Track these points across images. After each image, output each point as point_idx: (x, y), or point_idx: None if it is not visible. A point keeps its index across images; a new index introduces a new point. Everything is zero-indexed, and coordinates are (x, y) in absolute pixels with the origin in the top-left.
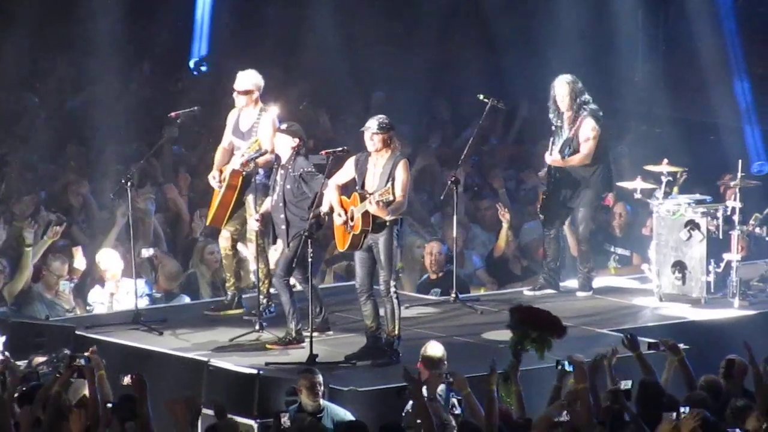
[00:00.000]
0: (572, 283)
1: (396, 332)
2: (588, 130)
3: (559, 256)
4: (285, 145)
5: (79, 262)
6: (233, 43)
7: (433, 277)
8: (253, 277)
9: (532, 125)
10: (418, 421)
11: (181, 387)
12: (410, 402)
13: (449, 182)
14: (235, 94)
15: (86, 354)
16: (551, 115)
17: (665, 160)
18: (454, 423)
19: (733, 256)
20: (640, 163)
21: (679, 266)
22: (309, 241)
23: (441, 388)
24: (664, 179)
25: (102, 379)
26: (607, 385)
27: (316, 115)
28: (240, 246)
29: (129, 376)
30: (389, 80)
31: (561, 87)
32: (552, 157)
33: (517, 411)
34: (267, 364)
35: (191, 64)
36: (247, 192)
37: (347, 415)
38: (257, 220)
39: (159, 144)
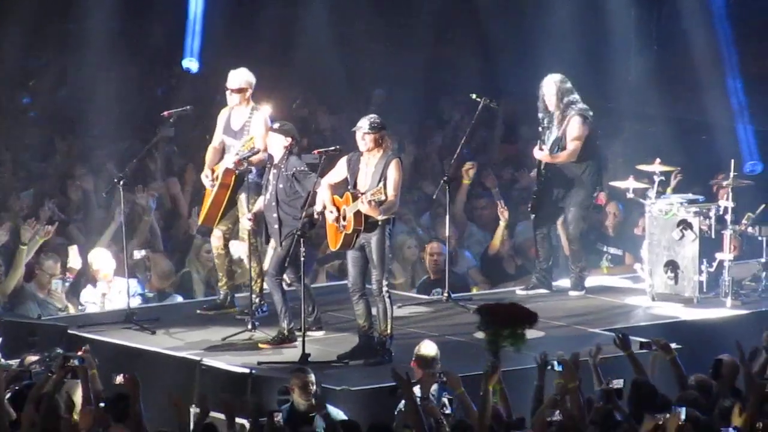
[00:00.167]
0: (565, 282)
1: (388, 331)
2: (575, 128)
3: (551, 255)
4: (278, 144)
5: (75, 260)
6: (226, 42)
7: (434, 277)
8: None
9: (527, 124)
10: (408, 421)
11: (173, 386)
12: (403, 401)
13: (442, 181)
14: (228, 93)
15: (79, 353)
16: (540, 114)
17: (658, 160)
18: (445, 422)
19: (726, 255)
20: (633, 163)
21: (672, 266)
22: (301, 240)
23: (434, 387)
24: (656, 179)
25: (94, 378)
26: (594, 384)
27: (315, 114)
28: (232, 244)
29: (122, 375)
30: (383, 79)
31: (548, 86)
32: (541, 153)
33: (504, 410)
34: (259, 363)
35: (184, 62)
36: (240, 191)
37: (340, 415)
38: (250, 219)
39: (153, 142)
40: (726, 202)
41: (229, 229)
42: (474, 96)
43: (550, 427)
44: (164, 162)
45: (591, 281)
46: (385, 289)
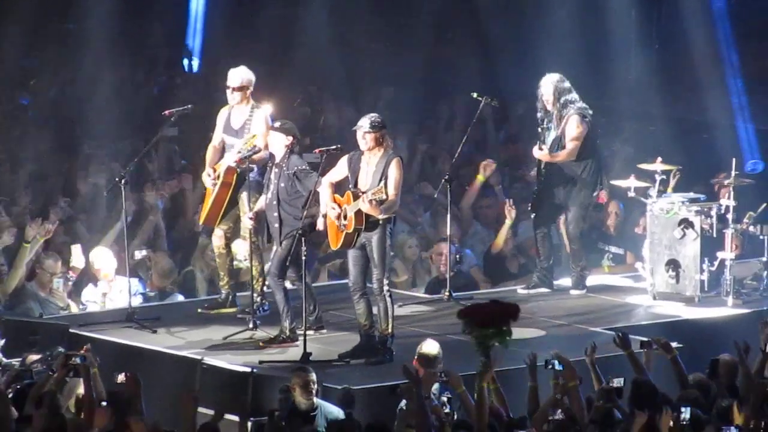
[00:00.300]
0: (566, 281)
1: (389, 330)
2: (573, 128)
3: (551, 254)
4: (279, 143)
5: (78, 259)
6: (227, 42)
7: (443, 277)
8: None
9: (529, 124)
10: (412, 420)
11: (174, 385)
12: (404, 400)
13: (443, 180)
14: (228, 92)
15: (81, 352)
16: (539, 114)
17: (659, 159)
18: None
19: (727, 254)
20: (634, 162)
21: (673, 265)
22: (303, 239)
23: (435, 386)
24: (657, 178)
25: (95, 377)
26: (593, 383)
27: (323, 112)
28: (236, 243)
29: (123, 374)
30: (383, 79)
31: (546, 86)
32: (541, 153)
33: (502, 410)
34: (261, 362)
35: (184, 61)
36: (241, 189)
37: (340, 414)
38: (251, 218)
39: (154, 141)
40: (727, 200)
41: (230, 228)
42: (475, 95)
43: (550, 426)
44: (165, 161)
45: (592, 280)
46: (386, 288)
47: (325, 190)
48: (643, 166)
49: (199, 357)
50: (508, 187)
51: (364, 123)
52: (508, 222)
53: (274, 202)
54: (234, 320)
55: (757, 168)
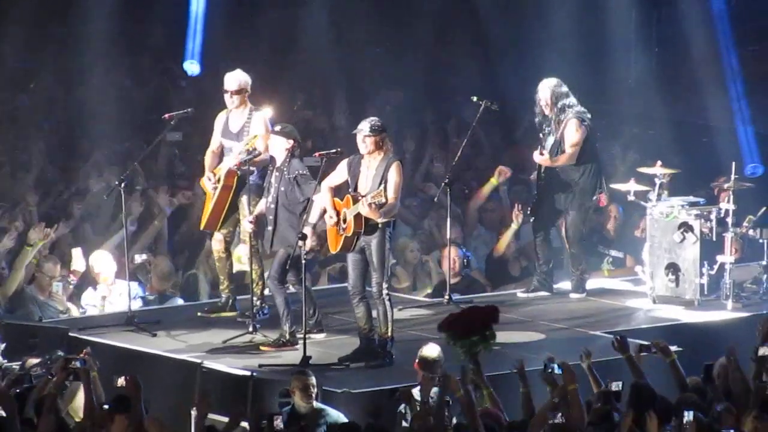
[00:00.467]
0: (566, 285)
1: (389, 334)
2: (572, 131)
3: (551, 258)
4: (279, 147)
5: (78, 262)
6: (227, 44)
7: (452, 281)
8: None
9: (529, 127)
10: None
11: (174, 388)
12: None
13: (443, 184)
14: (227, 96)
15: (81, 356)
16: (537, 119)
17: (659, 162)
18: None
19: (727, 258)
20: (634, 165)
21: (673, 268)
22: (303, 242)
23: (434, 390)
24: (657, 181)
25: (95, 381)
26: (593, 388)
27: (332, 115)
28: (239, 247)
29: (123, 377)
30: (383, 82)
31: (543, 91)
32: (542, 157)
33: (473, 415)
34: (260, 365)
35: (185, 65)
36: (241, 193)
37: (340, 417)
38: (251, 222)
39: (154, 144)
40: (727, 204)
41: (230, 232)
42: (475, 99)
43: (550, 429)
44: (166, 165)
45: (592, 284)
46: (385, 291)
47: (324, 195)
48: (643, 169)
49: (198, 360)
50: (507, 190)
51: (364, 126)
52: (514, 226)
53: (273, 206)
54: (234, 324)
55: (757, 171)
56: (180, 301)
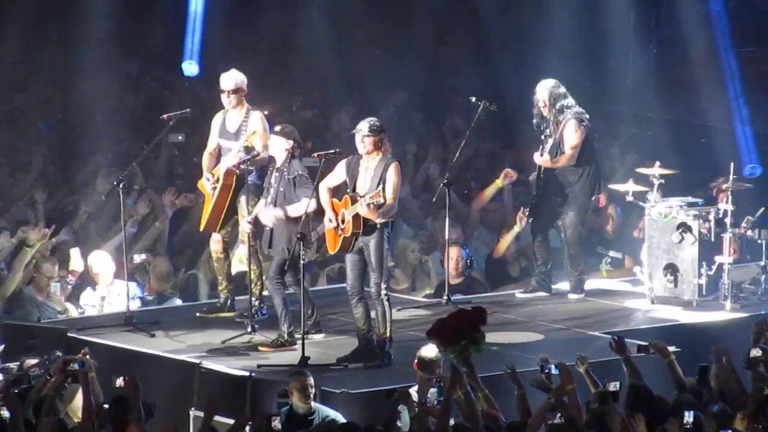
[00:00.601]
0: (565, 285)
1: (387, 334)
2: (571, 133)
3: (549, 258)
4: (280, 147)
5: (76, 262)
6: (226, 45)
7: (455, 281)
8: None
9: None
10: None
11: (173, 389)
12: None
13: (441, 184)
14: (224, 96)
15: (79, 357)
16: (535, 121)
17: (657, 163)
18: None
19: (725, 258)
20: (632, 166)
21: (671, 269)
22: (302, 243)
23: (432, 391)
24: (656, 182)
25: (93, 381)
26: (591, 389)
27: (331, 116)
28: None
29: (122, 377)
30: (383, 82)
31: (541, 92)
32: (542, 159)
33: (474, 415)
34: (259, 366)
35: (183, 66)
36: (240, 193)
37: (338, 417)
38: (249, 222)
39: (152, 144)
40: (725, 205)
41: (229, 232)
42: (473, 99)
43: (549, 429)
44: (166, 165)
45: (590, 284)
46: (383, 292)
47: (323, 195)
48: (642, 170)
49: (197, 361)
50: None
51: (363, 126)
52: (516, 229)
53: (272, 207)
54: (232, 324)
55: (755, 172)
56: (178, 302)
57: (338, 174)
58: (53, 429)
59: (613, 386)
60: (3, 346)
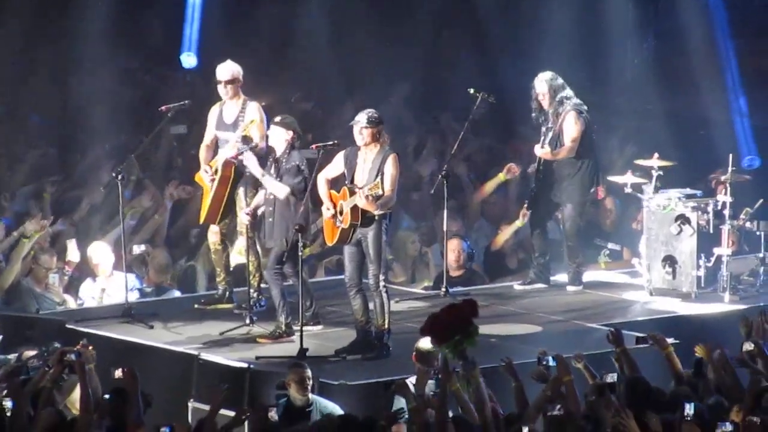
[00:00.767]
0: (563, 277)
1: (386, 326)
2: (571, 125)
3: (547, 250)
4: (279, 138)
5: (73, 254)
6: (224, 38)
7: (456, 273)
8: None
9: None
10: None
11: (171, 380)
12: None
13: (440, 176)
14: (220, 87)
15: (76, 348)
16: (534, 114)
17: (656, 155)
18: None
19: (724, 250)
20: (631, 158)
21: (670, 261)
22: (300, 234)
23: (430, 383)
24: (654, 174)
25: (90, 373)
26: (588, 381)
27: (332, 109)
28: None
29: (120, 369)
30: (383, 76)
31: (540, 85)
32: (542, 150)
33: (484, 406)
34: (257, 357)
35: (182, 58)
36: (238, 185)
37: (336, 409)
38: (248, 214)
39: (151, 137)
40: (724, 197)
41: (226, 224)
42: (472, 91)
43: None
44: (165, 158)
45: (589, 276)
46: (382, 283)
47: (321, 186)
48: (640, 161)
49: (195, 352)
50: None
51: (362, 118)
52: (518, 223)
53: (272, 198)
54: (231, 316)
55: (754, 164)
56: (177, 294)
57: (336, 165)
58: (51, 420)
59: (610, 377)
60: (1, 337)
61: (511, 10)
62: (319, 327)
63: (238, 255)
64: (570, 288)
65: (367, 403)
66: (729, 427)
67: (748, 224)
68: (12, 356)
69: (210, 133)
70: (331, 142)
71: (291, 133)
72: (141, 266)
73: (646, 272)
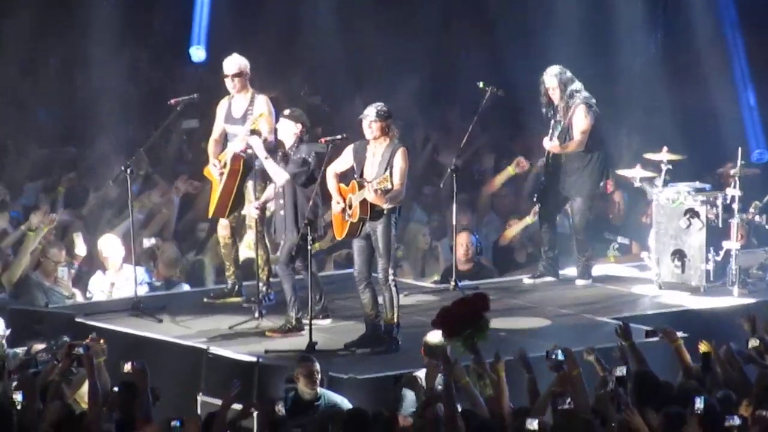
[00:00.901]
0: (572, 271)
1: (395, 320)
2: (581, 118)
3: (556, 244)
4: (288, 131)
5: (80, 247)
6: (233, 31)
7: (464, 267)
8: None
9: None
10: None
11: (180, 374)
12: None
13: (449, 170)
14: (228, 80)
15: (85, 342)
16: (543, 109)
17: (665, 148)
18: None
19: (733, 244)
20: (639, 151)
21: (679, 254)
22: (309, 228)
23: (440, 377)
24: (663, 167)
25: (99, 367)
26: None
27: (341, 103)
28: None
29: (129, 363)
30: (391, 69)
31: (550, 80)
32: (551, 143)
33: (503, 400)
34: (266, 351)
35: (190, 51)
36: (247, 179)
37: (345, 403)
38: (257, 208)
39: (159, 130)
40: (733, 190)
41: (236, 218)
42: (481, 84)
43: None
44: (175, 152)
45: (598, 270)
46: (391, 277)
47: (330, 180)
48: (649, 155)
49: (205, 346)
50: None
51: (371, 112)
52: (528, 219)
53: (281, 191)
54: (240, 310)
55: (763, 158)
56: (186, 287)
57: (345, 159)
58: (59, 413)
59: (620, 371)
60: (10, 331)
61: (519, 4)
62: (329, 321)
63: (246, 249)
64: (579, 282)
65: (376, 397)
66: (737, 420)
67: (757, 218)
68: (21, 350)
69: (218, 126)
70: (339, 136)
71: (300, 126)
72: (150, 260)
73: (655, 266)
